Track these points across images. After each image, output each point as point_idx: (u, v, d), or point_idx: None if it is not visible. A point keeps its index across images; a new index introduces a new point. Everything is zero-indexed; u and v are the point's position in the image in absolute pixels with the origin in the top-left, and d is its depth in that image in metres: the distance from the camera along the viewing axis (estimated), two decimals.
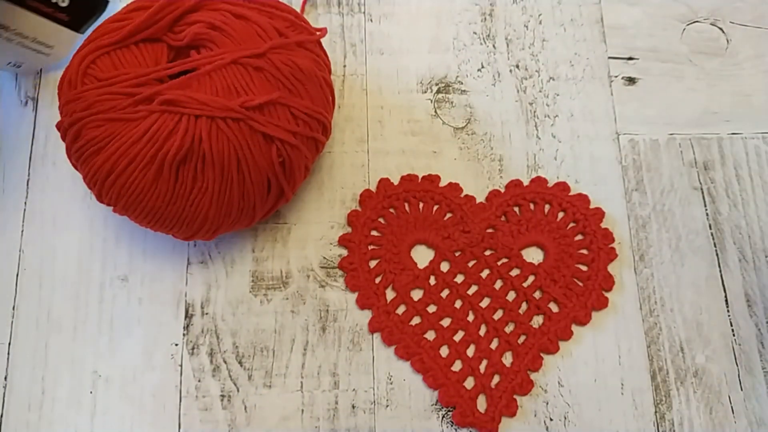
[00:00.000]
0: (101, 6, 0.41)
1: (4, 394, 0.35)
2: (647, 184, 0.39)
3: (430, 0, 0.43)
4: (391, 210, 0.38)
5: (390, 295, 0.36)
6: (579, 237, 0.38)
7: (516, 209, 0.38)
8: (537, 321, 0.36)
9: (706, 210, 0.39)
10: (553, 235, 0.38)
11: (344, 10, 0.43)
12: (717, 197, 0.39)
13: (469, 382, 0.35)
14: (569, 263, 0.37)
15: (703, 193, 0.39)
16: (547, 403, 0.35)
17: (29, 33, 0.37)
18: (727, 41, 0.43)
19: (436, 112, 0.41)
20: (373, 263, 0.37)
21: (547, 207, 0.38)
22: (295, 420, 0.34)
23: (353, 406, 0.35)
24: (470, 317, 0.36)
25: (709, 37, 0.43)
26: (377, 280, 0.37)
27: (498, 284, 0.37)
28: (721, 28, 0.43)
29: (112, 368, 0.35)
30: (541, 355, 0.35)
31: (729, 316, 0.37)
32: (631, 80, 0.42)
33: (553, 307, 0.36)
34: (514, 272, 0.37)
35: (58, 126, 0.32)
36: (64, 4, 0.38)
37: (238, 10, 0.32)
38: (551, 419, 0.35)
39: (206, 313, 0.36)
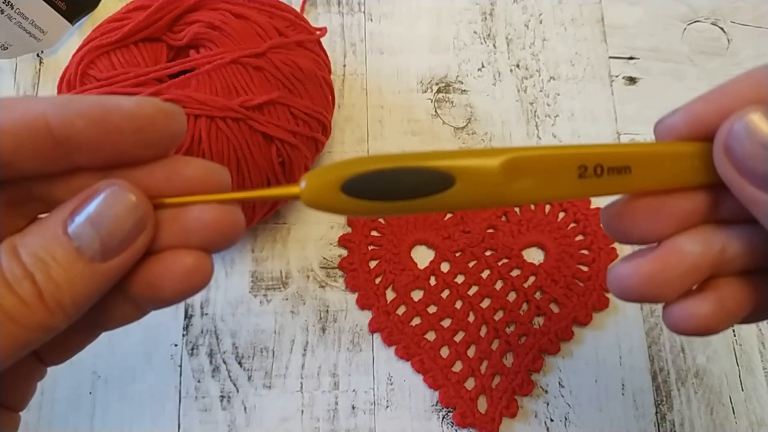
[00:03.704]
0: (95, 2, 0.42)
1: None
2: None
3: None
4: None
5: (390, 295, 0.36)
6: (580, 237, 0.38)
7: (516, 209, 0.38)
8: (537, 321, 0.36)
9: None
10: (553, 236, 0.37)
11: (344, 9, 0.43)
12: None
13: (470, 383, 0.35)
14: (570, 263, 0.37)
15: None
16: (548, 404, 0.35)
17: (30, 14, 0.38)
18: (728, 41, 0.43)
19: (436, 111, 0.41)
20: (373, 263, 0.37)
21: (547, 207, 0.38)
22: (295, 421, 0.34)
23: (353, 407, 0.34)
24: (471, 318, 0.36)
25: (710, 36, 0.43)
26: (377, 280, 0.36)
27: (498, 284, 0.37)
28: (721, 28, 0.43)
29: (112, 369, 0.35)
30: (542, 355, 0.35)
31: None
32: (631, 80, 0.42)
33: (554, 308, 0.36)
34: (515, 272, 0.37)
35: None
36: None
37: (237, 10, 0.32)
38: (552, 420, 0.34)
39: (206, 314, 0.36)
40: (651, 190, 0.19)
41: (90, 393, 0.34)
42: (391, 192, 0.17)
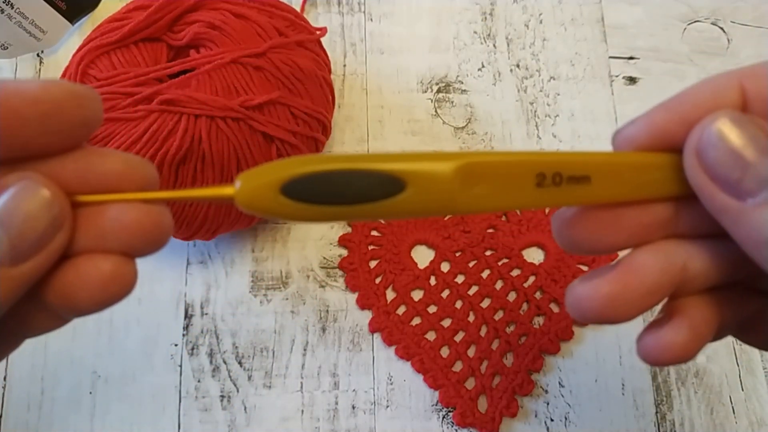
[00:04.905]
0: (95, 2, 0.42)
1: (3, 394, 0.34)
2: None
3: None
4: None
5: (390, 295, 0.36)
6: None
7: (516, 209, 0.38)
8: (537, 321, 0.36)
9: None
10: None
11: (344, 9, 0.43)
12: None
13: (470, 383, 0.35)
14: (570, 263, 0.37)
15: None
16: (548, 404, 0.35)
17: (30, 14, 0.38)
18: (728, 41, 0.43)
19: (436, 111, 0.41)
20: (373, 263, 0.37)
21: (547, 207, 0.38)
22: (295, 421, 0.34)
23: (353, 407, 0.35)
24: (471, 317, 0.36)
25: (710, 36, 0.43)
26: (377, 280, 0.36)
27: (498, 284, 0.37)
28: (722, 28, 0.43)
29: (112, 368, 0.35)
30: (542, 355, 0.35)
31: None
32: (631, 80, 0.42)
33: (554, 308, 0.36)
34: (515, 272, 0.37)
35: None
36: None
37: (237, 10, 0.32)
38: (552, 419, 0.34)
39: (206, 314, 0.36)
40: (611, 202, 0.18)
41: (90, 393, 0.34)
42: (337, 196, 0.16)
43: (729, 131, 0.17)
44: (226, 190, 0.16)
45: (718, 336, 0.20)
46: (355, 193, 0.16)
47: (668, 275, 0.18)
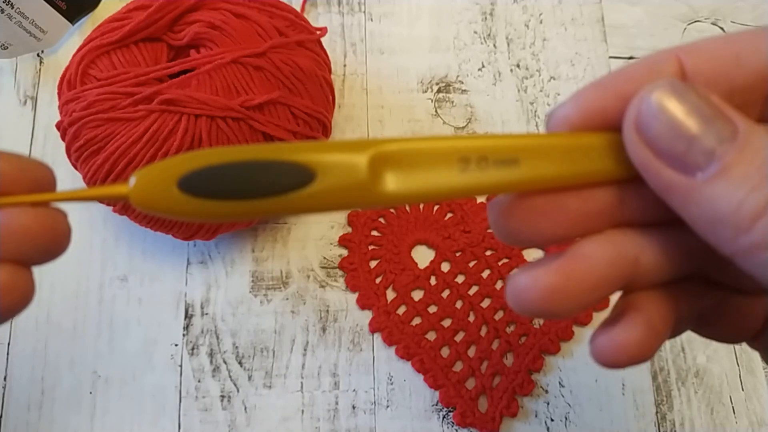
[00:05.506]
0: (95, 2, 0.42)
1: (3, 394, 0.34)
2: None
3: None
4: (392, 210, 0.38)
5: (390, 295, 0.36)
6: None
7: None
8: (538, 321, 0.36)
9: None
10: None
11: (344, 9, 0.43)
12: None
13: (470, 383, 0.35)
14: None
15: None
16: (548, 404, 0.35)
17: (30, 14, 0.38)
18: None
19: (436, 111, 0.41)
20: (373, 263, 0.37)
21: None
22: (295, 420, 0.34)
23: (353, 407, 0.35)
24: (471, 317, 0.36)
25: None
26: (378, 280, 0.36)
27: (499, 284, 0.37)
28: (722, 28, 0.43)
29: (112, 368, 0.35)
30: (542, 355, 0.35)
31: None
32: None
33: None
34: None
35: (58, 125, 0.32)
36: None
37: (238, 10, 0.32)
38: (552, 419, 0.34)
39: (206, 314, 0.36)
40: (545, 187, 0.17)
41: (90, 393, 0.34)
42: (240, 190, 0.15)
43: (669, 101, 0.15)
44: (120, 189, 0.15)
45: (675, 333, 0.19)
46: (259, 186, 0.15)
47: (617, 267, 0.16)
